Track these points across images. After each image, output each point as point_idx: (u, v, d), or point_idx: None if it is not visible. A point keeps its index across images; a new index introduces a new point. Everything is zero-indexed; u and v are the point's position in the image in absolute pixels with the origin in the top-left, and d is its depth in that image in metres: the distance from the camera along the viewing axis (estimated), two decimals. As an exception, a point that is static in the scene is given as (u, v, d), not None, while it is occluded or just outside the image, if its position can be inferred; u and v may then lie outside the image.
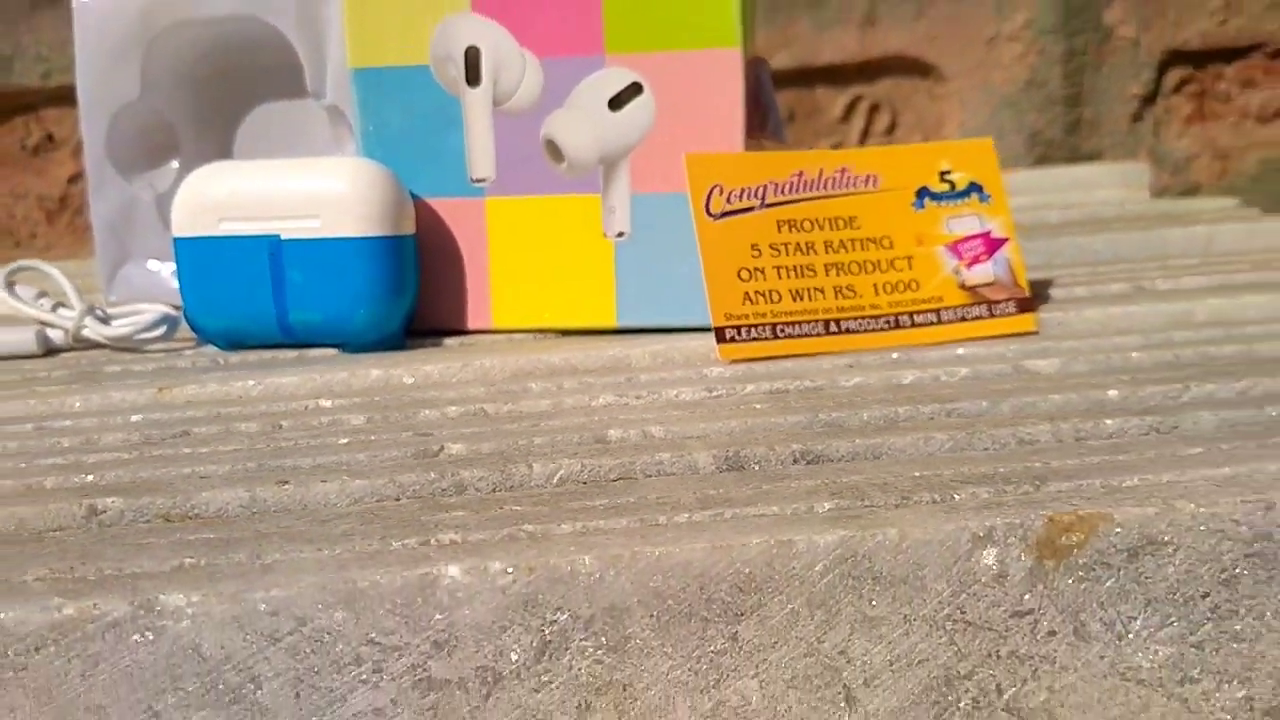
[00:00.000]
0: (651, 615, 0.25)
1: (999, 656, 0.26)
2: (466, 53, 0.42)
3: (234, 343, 0.43)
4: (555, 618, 0.24)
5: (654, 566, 0.25)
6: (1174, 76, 0.83)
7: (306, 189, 0.40)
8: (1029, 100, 0.81)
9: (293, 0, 0.46)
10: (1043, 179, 0.73)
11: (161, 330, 0.43)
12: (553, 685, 0.25)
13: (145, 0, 0.47)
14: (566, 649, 0.25)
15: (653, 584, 0.25)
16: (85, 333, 0.43)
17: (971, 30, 0.81)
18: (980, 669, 0.26)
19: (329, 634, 0.24)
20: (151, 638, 0.24)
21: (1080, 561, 0.26)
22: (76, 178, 0.69)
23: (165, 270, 0.49)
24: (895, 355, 0.39)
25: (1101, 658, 0.26)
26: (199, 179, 0.42)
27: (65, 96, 0.64)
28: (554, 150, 0.42)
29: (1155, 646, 0.26)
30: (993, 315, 0.41)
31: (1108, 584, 0.26)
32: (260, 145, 0.50)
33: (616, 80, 0.42)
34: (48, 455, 0.33)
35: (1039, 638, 0.26)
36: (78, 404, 0.38)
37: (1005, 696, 0.26)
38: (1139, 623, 0.26)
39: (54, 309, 0.44)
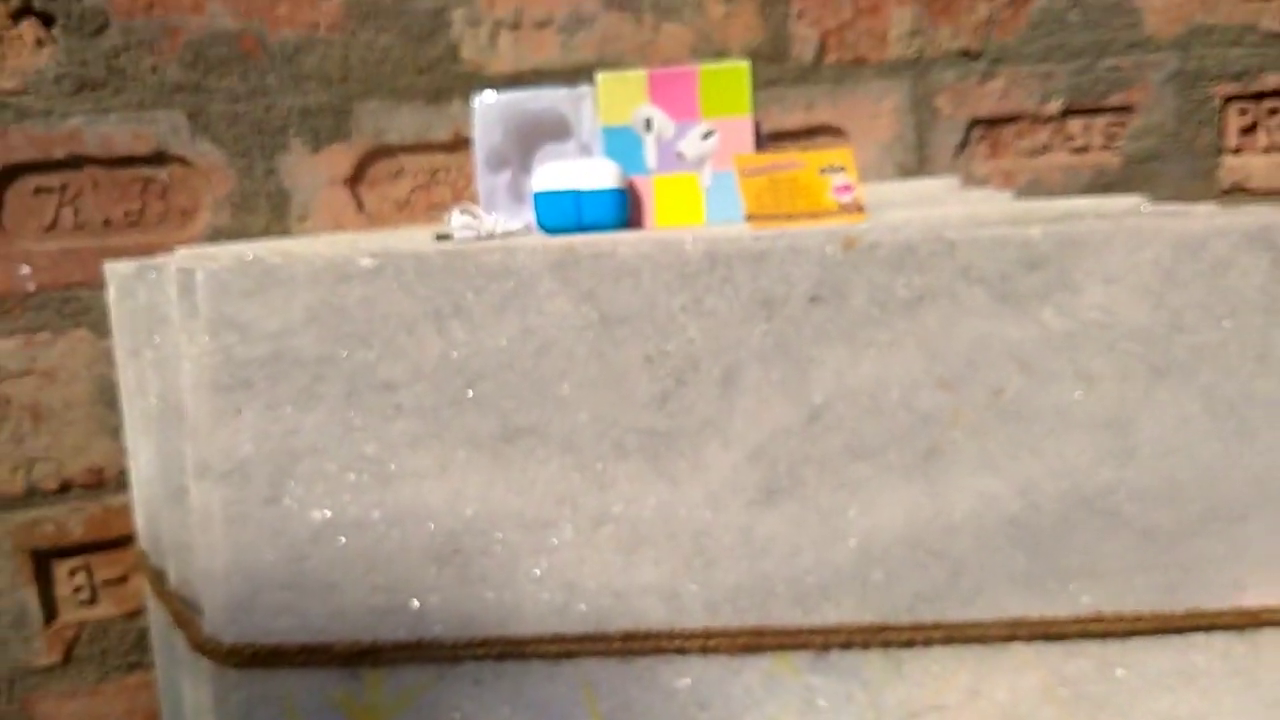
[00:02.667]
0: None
1: (838, 269, 0.92)
2: (646, 119, 1.10)
3: (558, 233, 1.09)
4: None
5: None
6: (977, 133, 1.53)
7: (591, 170, 1.07)
8: (897, 148, 1.51)
9: (569, 100, 1.14)
10: (901, 185, 1.41)
11: (529, 231, 1.10)
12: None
13: (507, 100, 1.15)
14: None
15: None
16: (496, 230, 1.10)
17: (864, 111, 1.50)
18: (832, 276, 0.92)
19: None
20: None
21: (859, 249, 0.92)
22: (414, 188, 1.36)
23: (503, 216, 1.16)
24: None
25: (868, 278, 0.92)
26: (545, 170, 1.08)
27: (411, 149, 1.32)
28: (681, 157, 1.10)
29: (874, 273, 0.92)
30: (849, 214, 1.08)
31: (864, 254, 0.92)
32: (546, 163, 1.17)
33: (704, 129, 1.10)
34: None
35: (845, 268, 0.92)
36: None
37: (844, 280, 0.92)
38: (875, 272, 0.92)
39: (476, 220, 1.11)
